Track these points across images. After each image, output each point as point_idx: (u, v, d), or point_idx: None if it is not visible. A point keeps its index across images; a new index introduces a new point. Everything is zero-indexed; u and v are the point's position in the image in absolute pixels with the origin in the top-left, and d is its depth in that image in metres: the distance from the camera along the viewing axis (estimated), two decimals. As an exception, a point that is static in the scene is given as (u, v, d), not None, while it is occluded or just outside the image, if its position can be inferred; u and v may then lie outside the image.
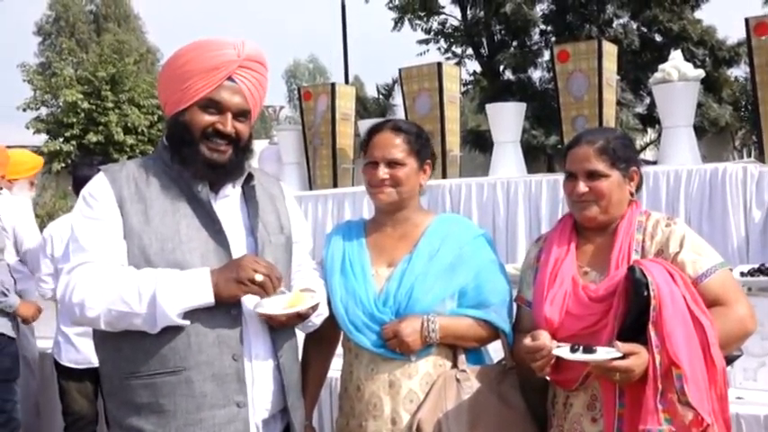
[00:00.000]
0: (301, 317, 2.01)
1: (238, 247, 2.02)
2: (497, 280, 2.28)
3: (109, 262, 1.90)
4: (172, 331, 1.89)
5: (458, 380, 2.17)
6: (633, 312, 1.94)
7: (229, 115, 2.00)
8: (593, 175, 2.13)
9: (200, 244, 1.96)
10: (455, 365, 2.21)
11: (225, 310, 1.94)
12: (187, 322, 1.89)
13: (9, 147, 5.01)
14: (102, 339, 2.01)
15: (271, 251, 2.06)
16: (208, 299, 1.88)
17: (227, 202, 2.06)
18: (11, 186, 4.77)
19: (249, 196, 2.09)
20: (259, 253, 2.02)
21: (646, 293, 1.91)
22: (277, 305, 1.97)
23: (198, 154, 1.98)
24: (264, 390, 2.02)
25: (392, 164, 2.27)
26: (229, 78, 2.00)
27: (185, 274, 1.89)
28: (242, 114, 2.03)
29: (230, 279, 1.89)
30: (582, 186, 2.14)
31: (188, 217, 1.97)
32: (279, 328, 2.04)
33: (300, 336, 2.27)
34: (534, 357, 2.00)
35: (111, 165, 2.09)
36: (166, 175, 2.02)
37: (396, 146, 2.28)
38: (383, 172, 2.26)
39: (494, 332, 2.23)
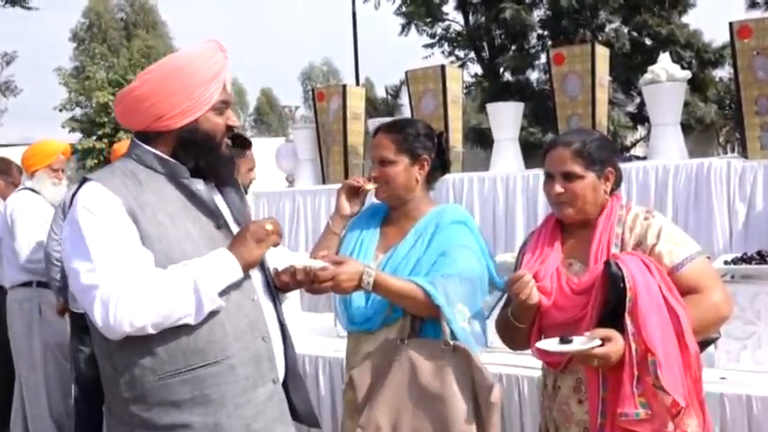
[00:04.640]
0: (308, 276, 2.02)
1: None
2: (457, 260, 2.18)
3: (137, 270, 1.77)
4: (207, 325, 1.84)
5: (396, 346, 2.16)
6: (611, 303, 1.92)
7: (230, 109, 2.00)
8: (568, 177, 2.09)
9: (209, 240, 1.91)
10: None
11: (248, 297, 1.93)
12: (224, 303, 1.85)
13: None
14: (121, 347, 1.81)
15: None
16: (238, 273, 1.87)
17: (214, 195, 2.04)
18: (30, 179, 4.55)
19: (229, 186, 2.07)
20: None
21: (622, 285, 1.88)
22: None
23: (221, 156, 1.97)
24: (279, 361, 2.03)
25: (383, 162, 2.29)
26: None
27: (208, 259, 1.85)
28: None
29: (249, 244, 1.89)
30: (558, 187, 2.10)
31: (191, 216, 1.90)
32: (279, 306, 2.09)
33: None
34: (519, 287, 2.00)
35: (99, 174, 1.91)
36: (158, 178, 1.91)
37: (384, 146, 2.30)
38: (375, 170, 2.31)
39: (433, 304, 2.10)
